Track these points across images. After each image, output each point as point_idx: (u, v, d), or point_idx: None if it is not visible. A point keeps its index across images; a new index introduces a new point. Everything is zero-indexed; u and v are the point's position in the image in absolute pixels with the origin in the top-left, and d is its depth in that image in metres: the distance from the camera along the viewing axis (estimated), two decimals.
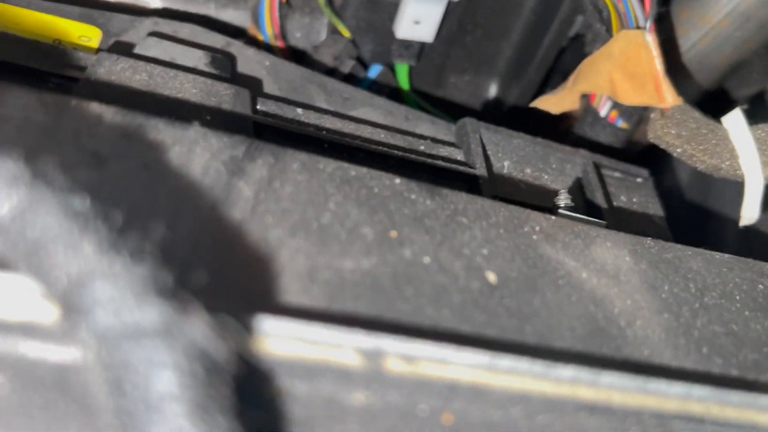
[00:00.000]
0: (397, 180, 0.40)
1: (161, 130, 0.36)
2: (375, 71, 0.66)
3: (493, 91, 0.75)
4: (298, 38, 0.66)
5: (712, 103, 0.73)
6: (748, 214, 0.55)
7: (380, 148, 0.49)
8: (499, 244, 0.39)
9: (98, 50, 0.49)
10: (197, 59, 0.50)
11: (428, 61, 0.70)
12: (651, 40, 0.55)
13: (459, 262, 0.36)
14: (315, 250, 0.33)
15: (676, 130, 0.55)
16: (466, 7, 0.66)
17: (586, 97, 0.65)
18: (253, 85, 0.51)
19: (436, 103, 0.74)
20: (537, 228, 0.41)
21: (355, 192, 0.38)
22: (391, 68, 0.68)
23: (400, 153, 0.49)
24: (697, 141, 0.55)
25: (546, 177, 0.55)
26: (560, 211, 0.46)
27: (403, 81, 0.69)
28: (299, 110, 0.50)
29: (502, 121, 0.74)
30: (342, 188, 0.37)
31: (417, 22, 0.63)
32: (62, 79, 0.44)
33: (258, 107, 0.48)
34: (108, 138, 0.34)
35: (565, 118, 0.67)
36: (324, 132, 0.48)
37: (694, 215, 0.68)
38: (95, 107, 0.36)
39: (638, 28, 0.56)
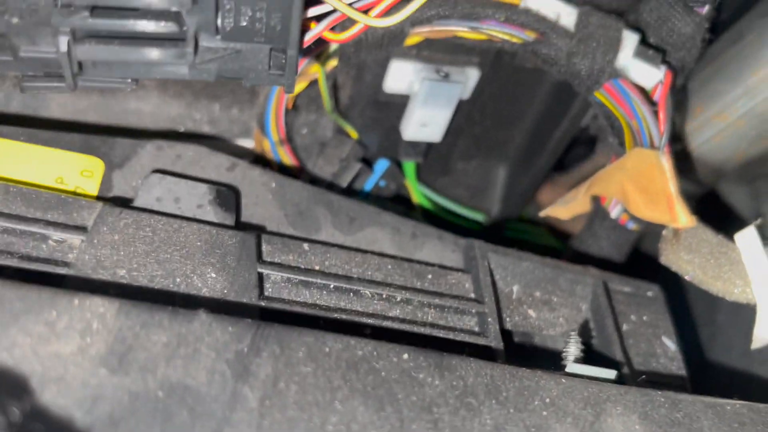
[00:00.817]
0: (405, 355, 0.39)
1: (166, 328, 0.35)
2: (382, 167, 0.65)
3: (501, 175, 0.74)
4: (304, 134, 0.65)
5: (731, 190, 0.72)
6: (761, 336, 0.54)
7: (382, 290, 0.48)
8: (509, 430, 0.38)
9: (99, 196, 0.48)
10: (202, 196, 0.49)
11: (435, 152, 0.69)
12: (665, 161, 0.54)
13: None
14: None
15: (689, 256, 0.54)
16: (474, 101, 0.65)
17: (596, 197, 0.64)
18: (259, 222, 0.50)
19: (443, 189, 0.73)
20: (547, 399, 0.41)
21: (362, 380, 0.37)
22: (398, 164, 0.67)
23: (409, 295, 0.48)
24: (708, 266, 0.54)
25: (555, 300, 0.54)
26: (569, 366, 0.46)
27: (411, 177, 0.68)
28: (305, 246, 0.49)
29: (511, 209, 0.74)
30: (348, 377, 0.37)
31: (424, 125, 0.62)
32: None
33: (263, 250, 0.47)
34: (113, 346, 0.34)
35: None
36: (328, 277, 0.47)
37: (701, 327, 0.67)
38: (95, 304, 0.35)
39: (652, 145, 0.55)
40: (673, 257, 0.55)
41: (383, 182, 0.66)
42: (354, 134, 0.63)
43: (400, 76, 0.60)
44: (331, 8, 0.41)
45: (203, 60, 0.39)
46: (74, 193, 0.47)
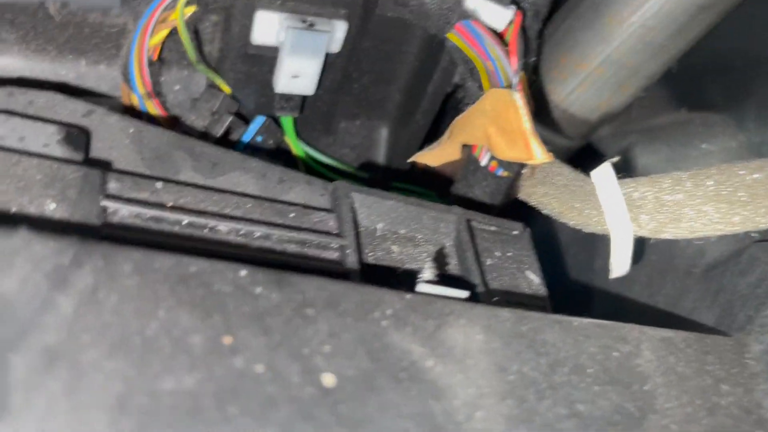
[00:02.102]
0: (243, 272, 0.39)
1: None
2: (258, 123, 0.65)
3: (384, 134, 0.75)
4: (176, 91, 0.64)
5: (599, 153, 0.75)
6: (617, 267, 0.56)
7: (241, 225, 0.48)
8: (343, 337, 0.38)
9: None
10: (49, 136, 0.48)
11: (315, 109, 0.70)
12: (518, 98, 0.56)
13: (295, 366, 0.36)
14: (133, 371, 0.32)
15: (544, 189, 0.56)
16: (349, 56, 0.66)
17: (468, 147, 0.65)
18: (111, 161, 0.50)
19: (327, 149, 0.73)
20: (388, 311, 0.41)
21: (191, 293, 0.37)
22: (275, 118, 0.67)
23: (266, 229, 0.48)
24: (564, 198, 0.56)
25: (420, 237, 0.55)
26: (418, 286, 0.47)
27: (289, 131, 0.68)
28: (158, 184, 0.48)
29: (394, 168, 0.75)
30: (176, 290, 0.37)
31: (296, 76, 0.62)
32: None
33: (110, 186, 0.46)
34: None
35: (449, 167, 0.67)
36: (180, 211, 0.47)
37: (578, 265, 0.69)
38: None
39: (508, 84, 0.57)
40: (531, 191, 0.56)
41: (260, 138, 0.66)
42: (227, 89, 0.63)
43: (267, 27, 0.60)
44: None
45: None
46: None
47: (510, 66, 0.56)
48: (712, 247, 0.61)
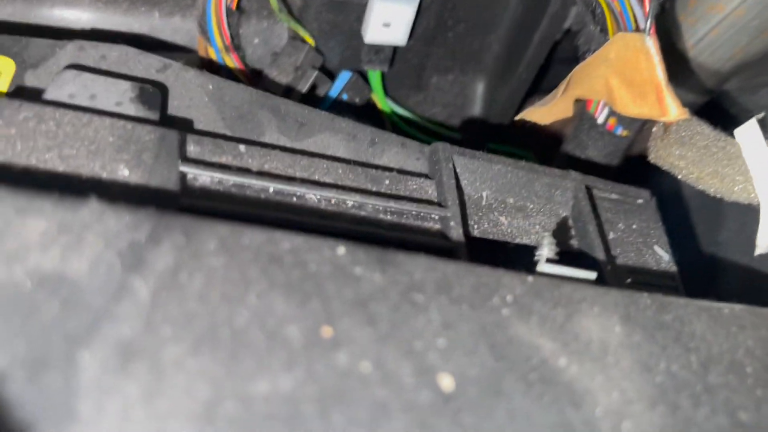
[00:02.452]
0: (341, 250, 0.34)
1: (46, 213, 0.30)
2: (344, 79, 0.59)
3: (480, 90, 0.67)
4: (256, 45, 0.59)
5: (724, 109, 0.65)
6: (765, 242, 0.48)
7: (332, 193, 0.42)
8: (460, 329, 0.32)
9: (8, 93, 0.43)
10: (122, 94, 0.43)
11: (405, 62, 0.63)
12: (652, 44, 0.47)
13: (407, 364, 0.30)
14: (221, 371, 0.27)
15: (681, 150, 0.48)
16: (444, 2, 0.59)
17: (581, 103, 0.57)
18: (189, 120, 0.45)
19: (417, 107, 0.67)
20: (509, 298, 0.35)
21: (285, 274, 0.31)
22: (362, 74, 0.61)
23: (360, 198, 0.43)
24: (705, 162, 0.48)
25: (531, 207, 0.48)
26: (539, 266, 0.40)
27: (377, 87, 0.62)
28: (242, 147, 0.43)
29: (491, 127, 0.68)
30: (268, 271, 0.31)
31: (387, 25, 0.56)
32: None
33: (189, 149, 0.41)
34: None
35: (559, 126, 0.60)
36: (266, 177, 0.42)
37: (701, 234, 0.61)
38: None
39: (637, 29, 0.49)
40: (663, 154, 0.49)
41: (346, 95, 0.60)
42: (311, 40, 0.57)
43: None
44: None
45: None
46: None
47: (641, 7, 0.48)
48: None
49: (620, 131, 0.56)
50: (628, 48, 0.48)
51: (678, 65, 0.62)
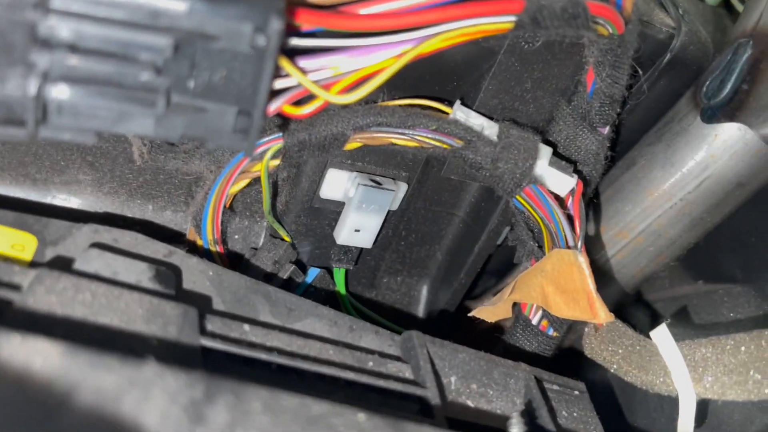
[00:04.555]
0: (361, 416, 0.38)
1: (114, 369, 0.33)
2: (313, 274, 0.66)
3: (424, 292, 0.76)
4: (236, 240, 0.65)
5: (626, 312, 0.77)
6: (683, 429, 0.56)
7: (332, 370, 0.47)
8: None
9: (32, 263, 0.46)
10: (141, 273, 0.48)
11: (363, 263, 0.71)
12: (582, 260, 0.58)
13: None
14: None
15: (612, 347, 0.57)
16: (401, 215, 0.69)
17: (518, 305, 0.67)
18: (198, 300, 0.49)
19: (369, 305, 0.74)
20: None
21: None
22: (328, 271, 0.68)
23: (352, 375, 0.48)
24: (632, 358, 0.57)
25: (491, 393, 0.55)
26: None
27: (340, 284, 0.69)
28: (246, 326, 0.48)
29: (432, 325, 0.75)
30: (308, 430, 0.35)
31: (357, 230, 0.64)
32: None
33: (207, 327, 0.45)
34: (55, 385, 0.31)
35: (493, 323, 0.68)
36: (275, 353, 0.46)
37: (619, 421, 0.69)
38: (37, 344, 0.33)
39: (569, 247, 0.60)
40: (597, 350, 0.57)
41: (312, 289, 0.66)
42: (288, 239, 0.64)
43: (336, 182, 0.63)
44: (295, 83, 0.44)
45: (171, 115, 0.40)
46: (4, 259, 0.45)
47: (572, 230, 0.60)
48: (759, 414, 0.62)
49: (551, 332, 0.65)
50: (562, 262, 0.59)
51: (597, 277, 0.74)
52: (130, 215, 0.61)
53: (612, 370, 0.58)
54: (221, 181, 0.58)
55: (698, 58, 0.66)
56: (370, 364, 0.51)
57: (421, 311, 0.76)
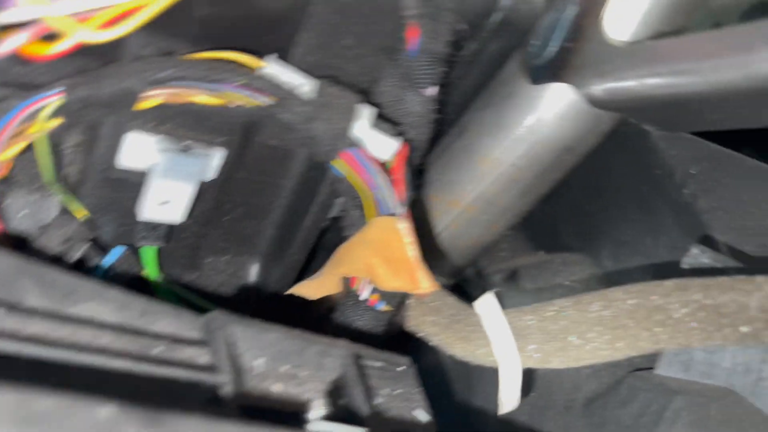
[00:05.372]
0: (104, 411, 0.32)
1: None
2: (115, 254, 0.59)
3: (254, 272, 0.70)
4: (21, 218, 0.57)
5: (468, 284, 0.76)
6: (506, 400, 0.54)
7: (100, 359, 0.41)
8: None
9: None
10: None
11: (180, 241, 0.65)
12: (403, 226, 0.55)
13: None
14: None
15: (434, 318, 0.54)
16: (223, 186, 0.63)
17: (346, 280, 0.63)
18: None
19: (191, 288, 0.67)
20: None
21: None
22: (135, 250, 0.61)
23: (129, 364, 0.42)
24: (453, 329, 0.54)
25: (303, 374, 0.50)
26: (311, 426, 0.41)
27: (150, 265, 0.62)
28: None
29: (265, 306, 0.70)
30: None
31: (164, 203, 0.58)
32: None
33: None
34: None
35: (327, 300, 0.64)
36: (28, 342, 0.39)
37: (458, 398, 0.67)
38: None
39: (392, 214, 0.56)
40: (418, 321, 0.54)
41: (118, 270, 0.59)
42: (83, 214, 0.57)
43: (137, 149, 0.56)
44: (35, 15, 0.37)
45: None
46: None
47: (395, 196, 0.56)
48: (588, 380, 0.61)
49: (382, 306, 0.61)
50: (384, 230, 0.55)
51: (430, 250, 0.71)
52: None
53: (433, 342, 0.55)
54: None
55: (529, 18, 0.64)
56: (157, 350, 0.45)
57: (251, 291, 0.70)
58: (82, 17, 0.40)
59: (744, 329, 0.51)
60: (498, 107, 0.64)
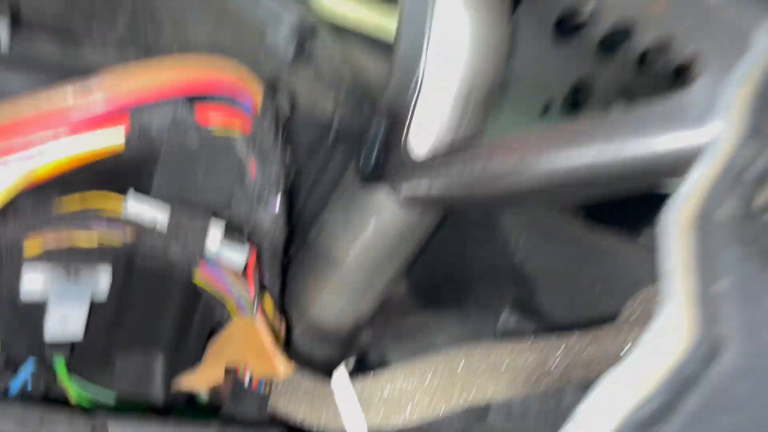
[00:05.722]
0: None
1: None
2: (27, 369, 0.70)
3: (160, 363, 0.81)
4: None
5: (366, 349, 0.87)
6: None
7: None
8: None
9: None
10: None
11: (90, 349, 0.75)
12: (258, 320, 0.66)
13: None
14: None
15: (293, 400, 0.65)
16: (118, 300, 0.74)
17: (233, 369, 0.74)
18: None
19: (106, 384, 0.78)
20: None
21: None
22: (45, 365, 0.71)
23: None
24: (310, 406, 0.65)
25: None
26: None
27: (62, 373, 0.72)
28: None
29: (170, 397, 0.81)
30: None
31: (63, 324, 0.69)
32: None
33: None
34: None
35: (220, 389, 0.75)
36: None
37: None
38: None
39: (251, 309, 0.68)
40: (277, 404, 0.65)
41: (31, 383, 0.70)
42: None
43: (33, 284, 0.67)
44: None
45: None
46: None
47: (250, 296, 0.67)
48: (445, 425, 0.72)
49: (263, 389, 0.72)
50: (244, 329, 0.67)
51: (312, 329, 0.82)
52: None
53: (296, 421, 0.65)
54: None
55: (361, 130, 0.76)
56: None
57: (159, 383, 0.81)
58: None
59: (544, 382, 0.62)
60: (345, 208, 0.76)
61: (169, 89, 0.55)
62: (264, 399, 0.73)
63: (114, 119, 0.54)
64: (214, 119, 0.59)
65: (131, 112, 0.54)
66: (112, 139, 0.54)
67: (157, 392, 0.81)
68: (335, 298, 0.79)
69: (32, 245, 0.63)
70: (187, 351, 0.80)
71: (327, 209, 0.78)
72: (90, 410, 0.68)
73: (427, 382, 0.65)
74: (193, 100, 0.59)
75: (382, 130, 0.70)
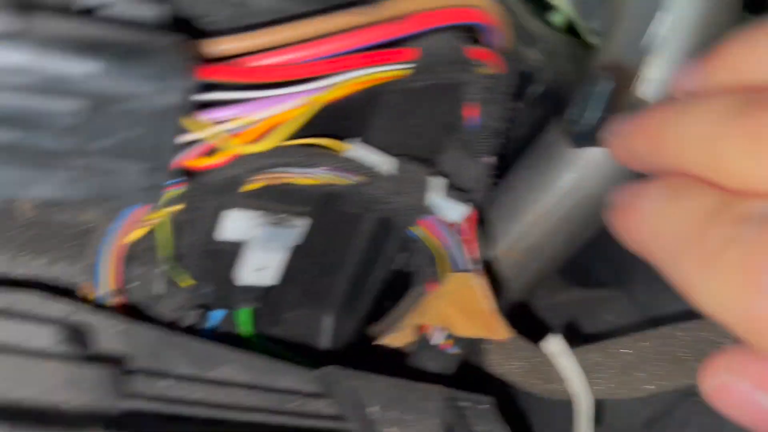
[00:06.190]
0: None
1: None
2: (217, 317, 0.65)
3: (328, 324, 0.77)
4: (133, 288, 0.63)
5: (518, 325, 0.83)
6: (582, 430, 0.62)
7: (257, 416, 0.47)
8: None
9: None
10: (49, 337, 0.45)
11: (264, 301, 0.71)
12: (479, 282, 0.62)
13: None
14: None
15: (514, 361, 0.61)
16: (302, 249, 0.70)
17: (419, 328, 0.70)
18: (113, 359, 0.48)
19: (274, 341, 0.74)
20: None
21: None
22: (231, 312, 0.67)
23: (278, 418, 0.48)
24: (533, 369, 0.62)
25: (410, 417, 0.57)
26: None
27: (246, 324, 0.68)
28: (164, 382, 0.47)
29: (339, 355, 0.77)
30: None
31: (260, 269, 0.65)
32: None
33: (122, 385, 0.44)
34: None
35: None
36: (197, 406, 0.46)
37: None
38: None
39: (466, 270, 0.64)
40: (498, 366, 0.61)
41: (219, 330, 0.66)
42: (187, 282, 0.63)
43: (236, 224, 0.62)
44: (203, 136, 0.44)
45: (79, 178, 0.39)
46: None
47: (467, 255, 0.63)
48: (644, 405, 0.69)
49: (454, 350, 0.68)
50: (462, 285, 0.63)
51: None
52: (20, 271, 0.58)
53: (516, 384, 0.62)
54: (118, 232, 0.56)
55: (564, 89, 0.72)
56: (293, 404, 0.51)
57: (327, 342, 0.77)
58: (235, 134, 0.47)
59: None
60: (542, 168, 0.72)
61: (449, 15, 0.51)
62: (451, 358, 0.69)
63: (402, 43, 0.50)
64: (475, 54, 0.55)
65: (421, 37, 0.50)
66: (401, 64, 0.50)
67: (325, 350, 0.77)
68: (518, 263, 0.75)
69: (251, 185, 0.58)
70: (358, 310, 0.76)
71: (521, 165, 0.74)
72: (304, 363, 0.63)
73: (649, 355, 0.62)
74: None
75: (607, 86, 0.66)
